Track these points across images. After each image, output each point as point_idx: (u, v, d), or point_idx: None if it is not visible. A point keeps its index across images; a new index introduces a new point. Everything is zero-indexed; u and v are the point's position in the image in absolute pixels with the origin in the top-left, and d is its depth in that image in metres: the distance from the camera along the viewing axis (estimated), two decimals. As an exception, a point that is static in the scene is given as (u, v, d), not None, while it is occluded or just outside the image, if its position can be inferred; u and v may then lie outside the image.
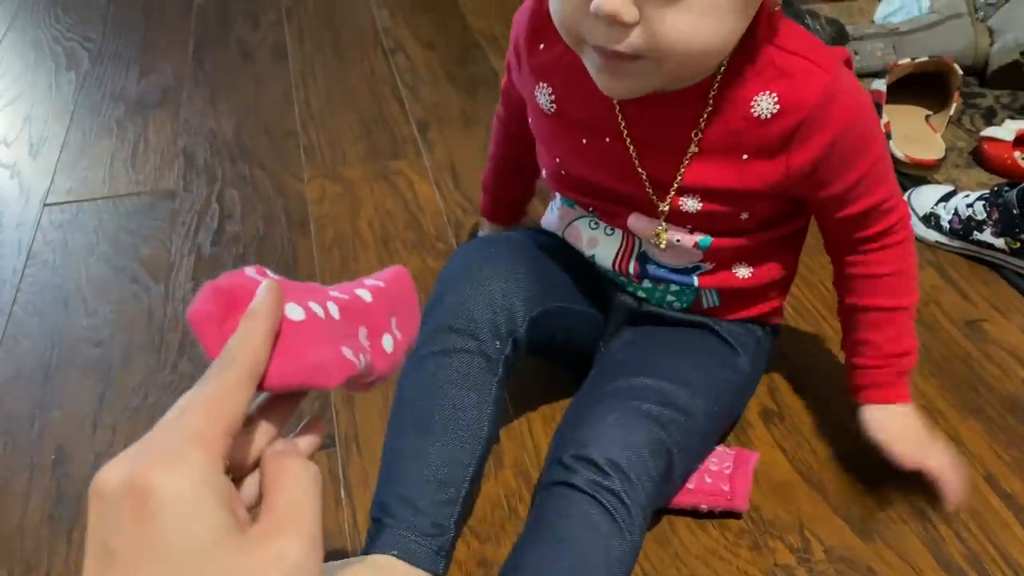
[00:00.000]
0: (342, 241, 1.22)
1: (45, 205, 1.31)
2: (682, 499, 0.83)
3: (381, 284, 0.52)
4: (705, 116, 0.73)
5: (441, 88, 1.56)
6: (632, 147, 0.77)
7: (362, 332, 0.48)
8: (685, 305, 0.87)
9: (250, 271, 0.45)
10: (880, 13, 1.75)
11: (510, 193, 1.06)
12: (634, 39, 0.63)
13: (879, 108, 1.37)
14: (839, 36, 1.55)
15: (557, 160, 0.83)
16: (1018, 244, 1.11)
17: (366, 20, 1.85)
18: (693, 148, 0.74)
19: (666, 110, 0.73)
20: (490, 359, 0.79)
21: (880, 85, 1.40)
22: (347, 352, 0.45)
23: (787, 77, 0.71)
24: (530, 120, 0.84)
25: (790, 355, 1.03)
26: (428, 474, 0.75)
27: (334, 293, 0.48)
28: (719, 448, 0.88)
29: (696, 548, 0.83)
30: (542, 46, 0.78)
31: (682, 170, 0.76)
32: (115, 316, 1.10)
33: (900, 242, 0.81)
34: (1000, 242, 1.12)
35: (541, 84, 0.79)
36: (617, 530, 0.72)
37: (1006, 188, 1.12)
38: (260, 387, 0.41)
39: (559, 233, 0.90)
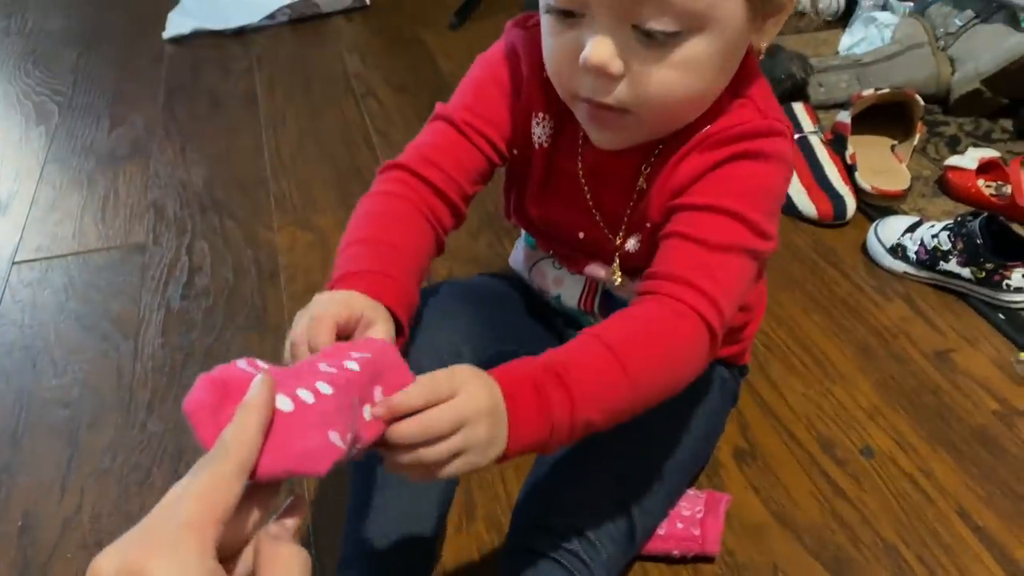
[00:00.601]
0: (313, 290, 1.19)
1: (14, 263, 1.30)
2: (654, 545, 0.83)
3: (368, 356, 0.53)
4: (654, 155, 0.73)
5: (413, 132, 1.53)
6: (587, 186, 0.78)
7: (355, 401, 0.50)
8: None
9: (241, 363, 0.48)
10: (844, 44, 1.77)
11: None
12: (620, 92, 0.65)
13: (843, 140, 1.39)
14: (804, 69, 1.57)
15: (532, 196, 0.82)
16: (983, 273, 1.12)
17: (337, 66, 1.86)
18: (641, 185, 0.75)
19: (618, 154, 0.73)
20: None
21: (845, 117, 1.42)
22: (334, 437, 0.47)
23: (741, 122, 0.71)
24: (506, 147, 0.78)
25: (760, 391, 1.04)
26: (393, 530, 0.74)
27: (324, 367, 0.50)
28: (690, 492, 0.88)
29: (671, 596, 0.83)
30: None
31: (628, 211, 0.76)
32: (84, 375, 1.10)
33: (682, 318, 0.66)
34: (966, 272, 1.13)
35: (541, 115, 0.77)
36: None
37: (969, 218, 1.13)
38: (251, 477, 0.43)
39: (525, 274, 0.90)
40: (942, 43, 1.60)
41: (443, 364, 0.71)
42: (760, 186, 0.70)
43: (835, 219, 1.30)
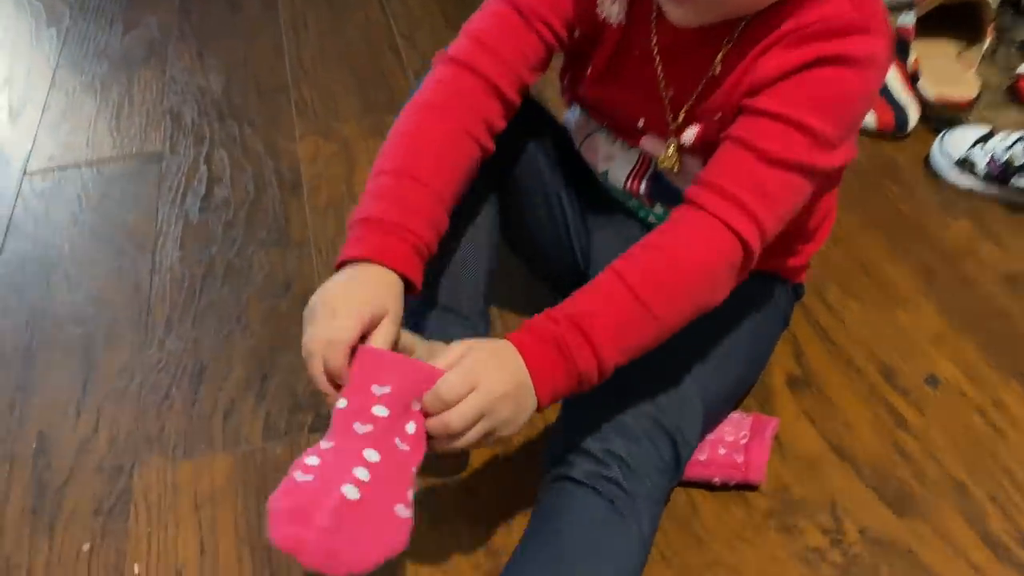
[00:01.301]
0: (337, 203, 1.15)
1: (26, 174, 1.24)
2: (694, 471, 0.78)
3: (388, 390, 0.58)
4: (734, 40, 0.68)
5: (440, 35, 1.47)
6: (660, 66, 0.73)
7: (397, 441, 0.57)
8: None
9: (298, 474, 0.56)
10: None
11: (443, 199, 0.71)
12: None
13: (906, 45, 1.28)
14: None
15: (590, 78, 0.77)
16: (1062, 189, 1.03)
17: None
18: (714, 71, 0.70)
19: (699, 29, 0.68)
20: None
21: (908, 20, 1.31)
22: (400, 510, 0.56)
23: (829, 16, 0.64)
24: (567, 32, 0.74)
25: (816, 314, 0.97)
26: None
27: (359, 427, 0.58)
28: (734, 415, 0.82)
29: (720, 530, 0.78)
30: None
31: (694, 98, 0.72)
32: (99, 291, 1.04)
33: (711, 239, 0.64)
34: (1042, 188, 1.04)
35: None
36: (619, 520, 0.67)
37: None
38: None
39: (577, 145, 0.85)
40: (1016, -61, 1.47)
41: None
42: (842, 96, 0.65)
43: (896, 130, 1.21)
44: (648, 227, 0.80)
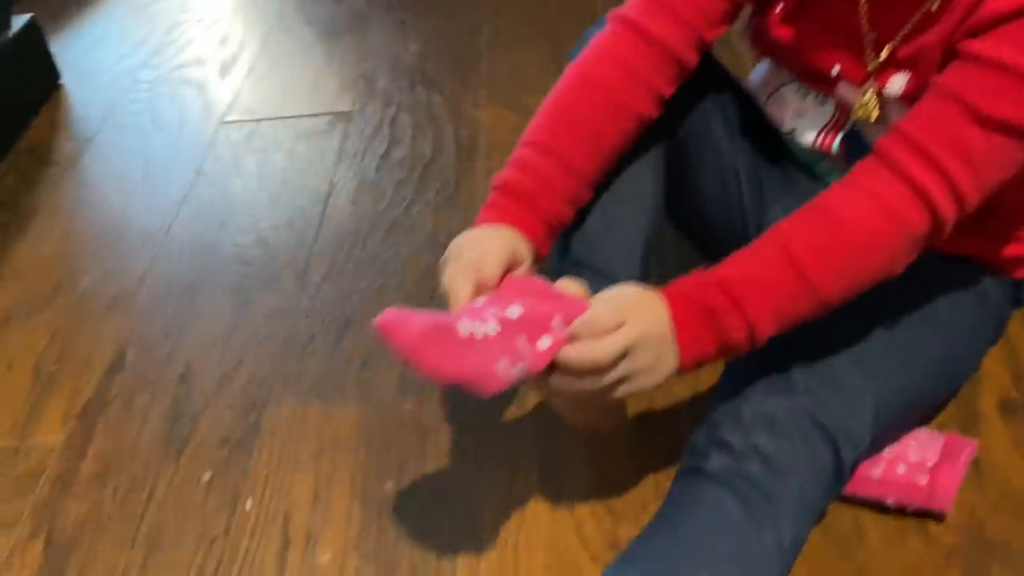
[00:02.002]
0: None
1: (223, 123, 1.28)
2: (863, 488, 0.66)
3: (529, 303, 0.56)
4: None
5: None
6: (866, 4, 0.63)
7: (522, 339, 0.53)
8: None
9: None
10: None
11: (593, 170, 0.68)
12: None
13: None
14: None
15: (777, 18, 0.68)
16: None
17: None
18: (931, 6, 0.59)
19: None
20: None
21: None
22: (501, 367, 0.52)
23: None
24: None
25: (1046, 333, 0.81)
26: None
27: (491, 311, 0.55)
28: (922, 432, 0.69)
29: (889, 562, 0.65)
30: None
31: (902, 37, 0.61)
32: (267, 238, 1.05)
33: (890, 200, 0.56)
34: None
35: None
36: (755, 525, 0.57)
37: None
38: (421, 369, 0.52)
39: (762, 101, 0.75)
40: None
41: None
42: None
43: None
44: None
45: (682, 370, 0.57)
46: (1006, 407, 0.75)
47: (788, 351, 0.62)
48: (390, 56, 1.41)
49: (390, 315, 0.54)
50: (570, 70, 0.68)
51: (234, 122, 1.29)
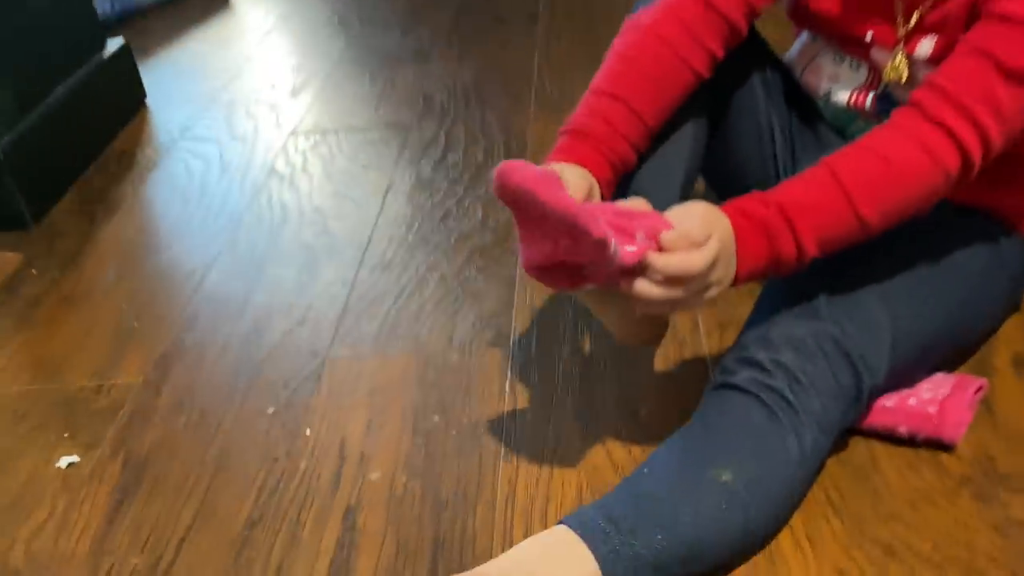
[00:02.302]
0: None
1: (292, 134, 1.39)
2: (878, 418, 0.70)
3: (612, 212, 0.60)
4: None
5: None
6: None
7: (610, 233, 0.56)
8: None
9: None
10: None
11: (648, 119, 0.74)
12: None
13: None
14: None
15: None
16: None
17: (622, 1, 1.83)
18: None
19: None
20: None
21: None
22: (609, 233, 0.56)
23: None
24: None
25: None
26: None
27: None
28: (937, 375, 0.73)
29: (902, 488, 0.69)
30: None
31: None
32: (330, 224, 1.14)
33: (930, 144, 0.62)
34: None
35: None
36: (779, 430, 0.62)
37: None
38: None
39: (798, 72, 0.82)
40: None
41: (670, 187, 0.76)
42: None
43: None
44: None
45: (736, 282, 0.62)
46: (1019, 362, 0.79)
47: (816, 284, 0.68)
48: (448, 80, 1.52)
49: (509, 163, 0.60)
50: (634, 26, 0.74)
51: (303, 133, 1.39)
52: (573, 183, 0.64)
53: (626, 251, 0.57)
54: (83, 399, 0.89)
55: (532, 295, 0.95)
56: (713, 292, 0.61)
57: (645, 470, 0.64)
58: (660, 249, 0.58)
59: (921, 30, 0.70)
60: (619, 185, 0.74)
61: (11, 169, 1.17)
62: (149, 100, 1.56)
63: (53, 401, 0.89)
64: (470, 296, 0.97)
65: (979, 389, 0.73)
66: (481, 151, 1.27)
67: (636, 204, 0.63)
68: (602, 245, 0.56)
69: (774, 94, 0.82)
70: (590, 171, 0.69)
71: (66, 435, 0.84)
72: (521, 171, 0.59)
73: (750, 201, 0.63)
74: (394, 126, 1.38)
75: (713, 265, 0.59)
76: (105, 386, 0.90)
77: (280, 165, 1.30)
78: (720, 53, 0.74)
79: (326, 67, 1.63)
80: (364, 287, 1.00)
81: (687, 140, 0.78)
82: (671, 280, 0.59)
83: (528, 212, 0.59)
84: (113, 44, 1.49)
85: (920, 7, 0.69)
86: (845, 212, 0.63)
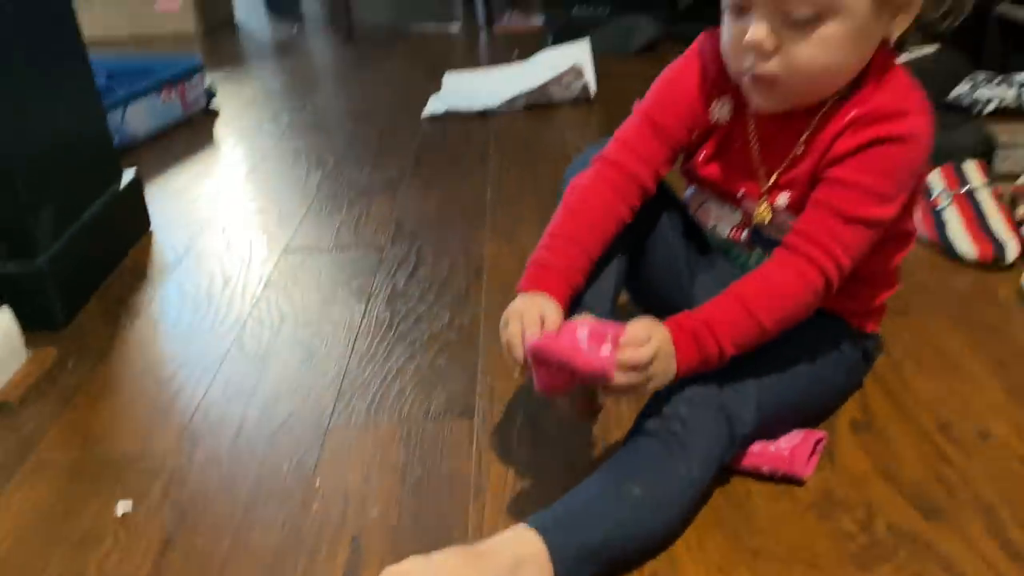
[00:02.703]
0: (507, 284, 1.43)
1: (284, 251, 1.65)
2: (747, 461, 0.96)
3: (588, 329, 0.85)
4: (811, 127, 0.94)
5: None
6: (756, 147, 0.98)
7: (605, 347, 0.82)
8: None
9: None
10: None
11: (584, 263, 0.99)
12: (773, 65, 0.87)
13: (1016, 199, 1.46)
14: (985, 142, 1.65)
15: (702, 161, 1.03)
16: None
17: (558, 139, 2.17)
18: (798, 151, 0.95)
19: (785, 121, 0.95)
20: None
21: (1021, 180, 1.49)
22: (605, 350, 0.82)
23: (879, 106, 0.90)
24: (688, 136, 1.02)
25: (888, 383, 1.13)
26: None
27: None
28: (794, 431, 0.99)
29: (767, 511, 0.94)
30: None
31: (784, 165, 0.97)
32: (323, 324, 1.38)
33: (803, 273, 0.90)
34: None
35: (723, 97, 0.99)
36: (674, 460, 0.88)
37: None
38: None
39: (691, 211, 1.11)
40: None
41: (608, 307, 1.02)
42: (895, 164, 0.90)
43: (995, 262, 1.37)
44: (743, 269, 1.04)
45: (678, 375, 0.87)
46: (855, 426, 1.06)
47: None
48: (415, 209, 1.80)
49: (540, 343, 0.84)
50: (577, 187, 1.00)
51: (293, 251, 1.65)
52: (551, 319, 0.90)
53: (604, 356, 0.81)
54: (129, 460, 1.10)
55: (492, 381, 1.20)
56: (656, 382, 0.86)
57: (581, 486, 0.88)
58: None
59: (778, 187, 0.98)
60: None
61: (52, 278, 1.40)
62: (153, 223, 1.80)
63: (103, 463, 1.10)
64: (441, 381, 1.21)
65: (820, 440, 0.99)
66: (446, 267, 1.54)
67: (585, 318, 0.87)
68: (605, 375, 0.82)
69: (677, 228, 1.11)
70: (554, 297, 0.93)
71: (119, 488, 1.05)
72: (552, 345, 0.83)
73: (683, 317, 0.88)
74: (371, 246, 1.65)
75: (654, 358, 0.83)
76: (147, 450, 1.12)
77: (275, 278, 1.55)
78: (638, 204, 1.01)
79: (308, 197, 1.91)
80: (354, 374, 1.24)
81: (615, 267, 1.04)
82: (627, 371, 0.82)
83: (553, 367, 0.84)
84: (127, 176, 1.74)
85: (775, 172, 0.98)
86: (750, 323, 0.88)
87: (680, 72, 1.02)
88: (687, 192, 1.14)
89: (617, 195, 0.99)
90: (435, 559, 0.81)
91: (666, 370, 0.86)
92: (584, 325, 0.84)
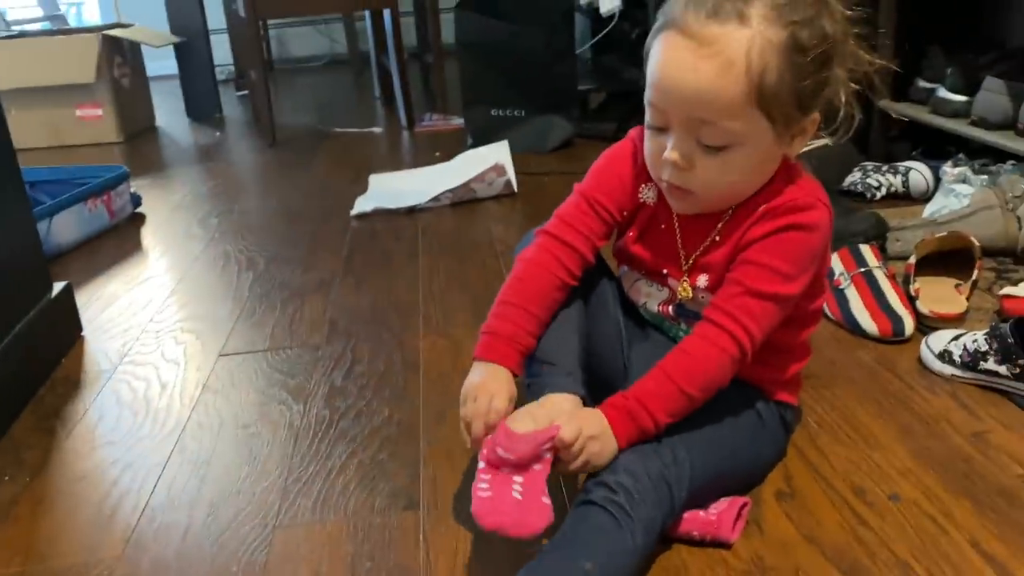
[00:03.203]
0: (444, 377, 1.51)
1: (220, 355, 1.67)
2: (679, 528, 1.02)
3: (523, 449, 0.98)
4: (726, 218, 1.06)
5: None
6: (679, 234, 1.10)
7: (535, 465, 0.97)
8: None
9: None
10: (926, 212, 1.99)
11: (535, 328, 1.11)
12: (687, 179, 1.00)
13: (908, 277, 1.59)
14: (876, 227, 1.80)
15: (631, 240, 1.15)
16: (1017, 369, 1.27)
17: (484, 234, 2.25)
18: (715, 238, 1.07)
19: (702, 214, 1.07)
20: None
21: (911, 259, 1.63)
22: (544, 499, 0.95)
23: (790, 199, 1.03)
24: (620, 213, 1.13)
25: (807, 454, 1.21)
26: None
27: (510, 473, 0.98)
28: (722, 499, 1.06)
29: (702, 580, 1.00)
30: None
31: (701, 249, 1.09)
32: (262, 424, 1.41)
33: (718, 343, 1.01)
34: (1003, 369, 1.29)
35: (650, 184, 1.11)
36: (621, 531, 0.93)
37: (1002, 322, 1.30)
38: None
39: (625, 288, 1.21)
40: (1011, 205, 1.79)
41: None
42: (800, 248, 1.03)
43: (894, 335, 1.48)
44: (673, 339, 1.15)
45: (620, 448, 0.98)
46: (779, 495, 1.13)
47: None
48: (349, 307, 1.85)
49: (487, 519, 0.93)
50: (523, 259, 1.12)
51: (229, 354, 1.67)
52: (497, 407, 1.02)
53: (535, 471, 0.96)
54: (75, 573, 1.10)
55: (435, 471, 1.24)
56: (597, 461, 0.97)
57: (534, 562, 0.92)
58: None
59: (697, 269, 1.10)
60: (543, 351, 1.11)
61: (-15, 393, 1.39)
62: (85, 332, 1.81)
63: (47, 577, 1.09)
64: (384, 475, 1.25)
65: (744, 505, 1.06)
66: (382, 363, 1.58)
67: (518, 420, 0.99)
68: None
69: (616, 301, 1.20)
70: (506, 363, 1.06)
71: (64, 602, 1.05)
72: (494, 518, 0.93)
73: (619, 399, 1.00)
74: (307, 345, 1.68)
75: (586, 445, 0.96)
76: (92, 561, 1.11)
77: (212, 381, 1.57)
78: (579, 272, 1.13)
79: (240, 300, 1.94)
80: (298, 472, 1.27)
81: (573, 318, 1.14)
82: (569, 462, 0.97)
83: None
84: (58, 286, 1.75)
85: (693, 256, 1.09)
86: (678, 394, 1.00)
87: (615, 156, 1.15)
88: (620, 271, 1.23)
89: (558, 263, 1.11)
90: None
91: (603, 450, 0.97)
92: (516, 475, 0.96)
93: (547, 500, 0.94)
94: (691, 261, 1.10)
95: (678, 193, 1.03)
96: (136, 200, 2.63)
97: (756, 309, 1.01)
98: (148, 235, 2.49)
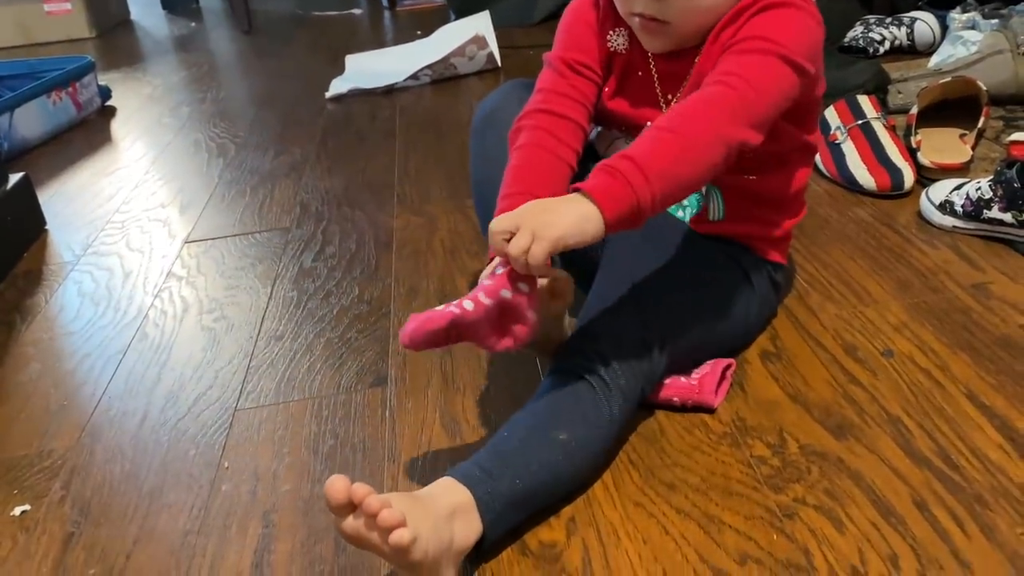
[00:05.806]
0: (417, 253, 1.43)
1: (185, 242, 1.59)
2: (658, 394, 0.96)
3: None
4: (699, 55, 0.96)
5: None
6: (656, 79, 1.01)
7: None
8: (695, 210, 1.03)
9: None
10: (932, 62, 1.86)
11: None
12: (662, 9, 0.91)
13: (909, 129, 1.48)
14: (878, 77, 1.68)
15: (607, 96, 1.04)
16: (1023, 215, 1.18)
17: (465, 111, 2.14)
18: (692, 78, 0.97)
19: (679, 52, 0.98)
20: None
21: (913, 109, 1.52)
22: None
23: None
24: (598, 73, 1.02)
25: (796, 313, 1.14)
26: None
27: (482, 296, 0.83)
28: (705, 363, 0.99)
29: (681, 444, 0.94)
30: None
31: (681, 92, 0.99)
32: (228, 308, 1.34)
33: (712, 91, 0.86)
34: (1008, 216, 1.20)
35: (618, 29, 1.01)
36: (597, 400, 0.87)
37: (1007, 167, 1.21)
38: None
39: (602, 151, 1.10)
40: (1023, 49, 1.67)
41: None
42: (786, 24, 0.90)
43: (893, 189, 1.39)
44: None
45: (609, 226, 0.79)
46: (764, 356, 1.07)
47: (625, 300, 0.94)
48: (321, 189, 1.76)
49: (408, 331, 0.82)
50: (516, 150, 0.97)
51: (195, 241, 1.60)
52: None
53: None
54: (27, 463, 1.05)
55: (403, 348, 1.18)
56: (544, 231, 0.77)
57: (504, 433, 0.86)
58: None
59: None
60: None
61: (-65, 287, 1.33)
62: (49, 226, 1.73)
63: (-1, 468, 1.05)
64: (352, 352, 1.19)
65: (728, 367, 1.00)
66: (354, 243, 1.51)
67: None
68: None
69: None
70: None
71: (15, 492, 1.00)
72: (417, 327, 0.81)
73: (599, 164, 0.83)
74: (276, 229, 1.60)
75: (517, 228, 0.79)
76: (45, 451, 1.07)
77: (177, 268, 1.50)
78: (580, 147, 1.00)
79: (209, 187, 1.85)
80: (262, 355, 1.21)
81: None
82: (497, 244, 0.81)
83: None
84: (14, 178, 1.67)
85: (675, 100, 1.00)
86: (670, 138, 0.83)
87: (577, 8, 1.04)
88: (592, 135, 1.13)
89: (556, 140, 0.98)
90: (392, 497, 0.76)
91: (551, 219, 0.78)
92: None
93: (469, 305, 0.81)
94: (673, 102, 1.01)
95: (653, 26, 0.94)
96: (105, 93, 2.52)
97: (752, 67, 0.87)
98: (117, 127, 2.39)
